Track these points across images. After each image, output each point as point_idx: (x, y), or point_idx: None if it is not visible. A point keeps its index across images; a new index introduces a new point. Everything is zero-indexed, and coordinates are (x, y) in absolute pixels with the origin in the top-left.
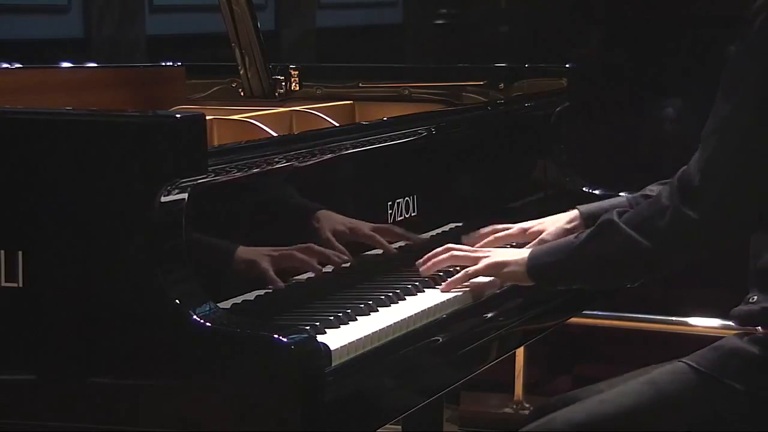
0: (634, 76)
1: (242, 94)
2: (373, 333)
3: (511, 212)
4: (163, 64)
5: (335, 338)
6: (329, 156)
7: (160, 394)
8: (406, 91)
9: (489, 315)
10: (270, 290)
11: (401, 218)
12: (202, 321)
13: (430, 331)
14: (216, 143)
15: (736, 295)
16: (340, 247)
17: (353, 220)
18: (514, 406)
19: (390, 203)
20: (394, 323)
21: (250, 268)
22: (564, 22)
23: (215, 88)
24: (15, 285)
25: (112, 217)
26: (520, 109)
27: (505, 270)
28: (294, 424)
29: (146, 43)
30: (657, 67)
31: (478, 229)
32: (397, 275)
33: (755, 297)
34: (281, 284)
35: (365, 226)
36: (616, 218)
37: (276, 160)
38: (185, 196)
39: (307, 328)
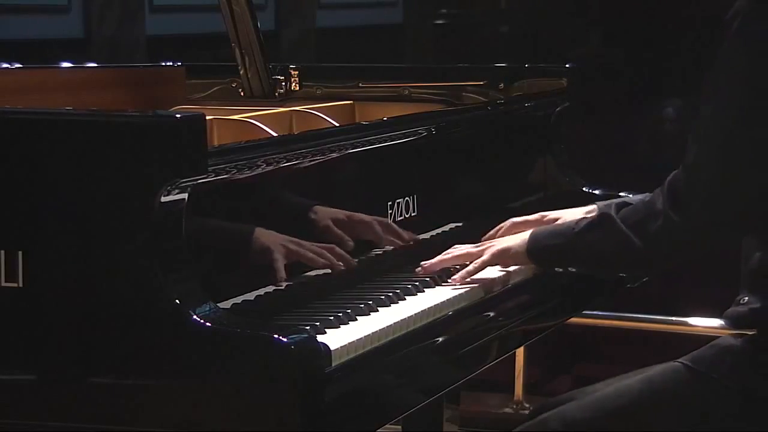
0: (634, 76)
1: (242, 94)
2: (373, 333)
3: (511, 212)
4: (163, 64)
5: (335, 338)
6: (329, 156)
7: (160, 394)
8: (406, 91)
9: (489, 315)
10: (270, 290)
11: (401, 218)
12: (202, 321)
13: (430, 331)
14: (216, 143)
15: (736, 295)
16: (346, 237)
17: (353, 214)
18: (514, 406)
19: (390, 203)
20: (394, 323)
21: (255, 262)
22: (564, 22)
23: (215, 88)
24: (15, 285)
25: (112, 217)
26: (520, 109)
27: (510, 254)
28: (294, 424)
29: (146, 43)
30: (657, 67)
31: (479, 229)
32: (397, 275)
33: (746, 298)
34: (283, 275)
35: (366, 220)
36: (614, 213)
37: (276, 160)
38: (185, 196)
39: (307, 328)
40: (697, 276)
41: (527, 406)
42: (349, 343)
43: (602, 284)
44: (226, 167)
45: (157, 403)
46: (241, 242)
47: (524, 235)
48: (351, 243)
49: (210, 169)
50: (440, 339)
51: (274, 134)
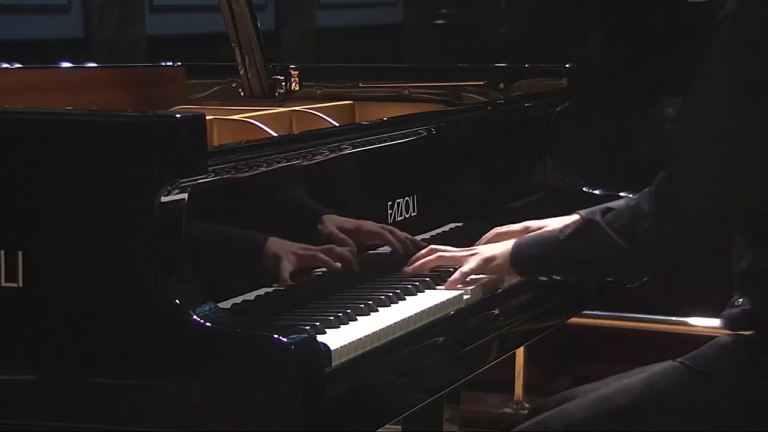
0: (634, 76)
1: (242, 94)
2: (373, 333)
3: (511, 212)
4: (163, 64)
5: (335, 338)
6: (329, 156)
7: (160, 394)
8: (406, 91)
9: (489, 315)
10: (270, 290)
11: (401, 218)
12: (202, 321)
13: (430, 331)
14: (216, 143)
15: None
16: (348, 240)
17: (354, 221)
18: (514, 406)
19: (390, 203)
20: (394, 323)
21: (255, 262)
22: (564, 22)
23: (215, 88)
24: (15, 285)
25: (112, 217)
26: (520, 109)
27: (493, 264)
28: (294, 424)
29: (146, 43)
30: (657, 67)
31: (479, 229)
32: (397, 275)
33: (740, 300)
34: (285, 276)
35: (367, 225)
36: (599, 218)
37: (276, 160)
38: (185, 196)
39: (307, 328)
40: (697, 276)
41: (527, 406)
42: (349, 343)
43: (602, 284)
44: (226, 167)
45: (157, 403)
46: (241, 242)
47: (507, 245)
48: (352, 244)
49: (210, 169)
50: (440, 339)
51: (274, 134)
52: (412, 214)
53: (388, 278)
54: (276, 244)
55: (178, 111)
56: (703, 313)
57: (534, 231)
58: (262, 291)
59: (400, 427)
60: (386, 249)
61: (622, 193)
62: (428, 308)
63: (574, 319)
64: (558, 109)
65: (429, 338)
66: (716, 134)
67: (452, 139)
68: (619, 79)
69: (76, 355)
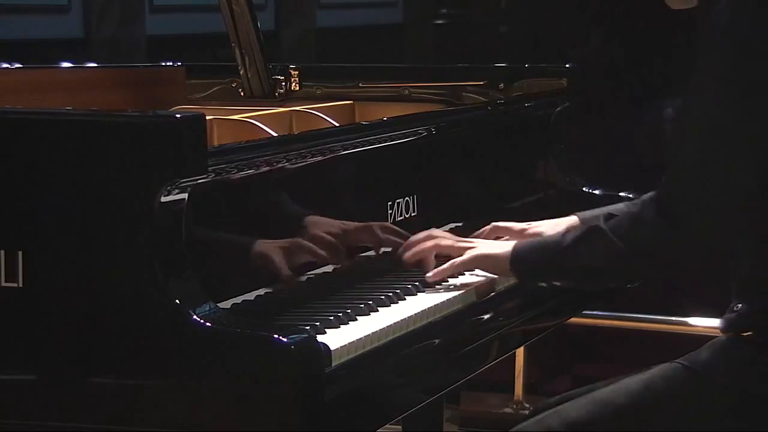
0: (634, 76)
1: (242, 94)
2: (373, 333)
3: (511, 212)
4: (163, 64)
5: (335, 338)
6: (329, 156)
7: (160, 394)
8: (406, 91)
9: (489, 315)
10: (270, 290)
11: (401, 218)
12: (202, 321)
13: (430, 331)
14: (216, 143)
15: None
16: (336, 243)
17: (350, 223)
18: (514, 406)
19: (390, 203)
20: (394, 323)
21: (254, 265)
22: (564, 22)
23: (215, 88)
24: (15, 285)
25: (112, 217)
26: (520, 109)
27: (490, 262)
28: (294, 424)
29: (146, 43)
30: (657, 67)
31: (479, 229)
32: (397, 275)
33: (738, 305)
34: (286, 275)
35: (363, 227)
36: (603, 225)
37: (276, 160)
38: (185, 196)
39: (307, 328)
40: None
41: (527, 406)
42: (349, 343)
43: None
44: (226, 167)
45: (157, 403)
46: (241, 242)
47: (507, 246)
48: (352, 244)
49: (210, 169)
50: (440, 339)
51: (274, 134)
52: (412, 214)
53: (388, 278)
54: (276, 244)
55: (178, 111)
56: (703, 313)
57: (531, 233)
58: (262, 291)
59: (400, 427)
60: (386, 249)
61: (622, 194)
62: (428, 308)
63: (574, 319)
64: (558, 109)
65: (429, 338)
66: (713, 135)
67: (452, 139)
68: (619, 79)
69: (76, 355)
